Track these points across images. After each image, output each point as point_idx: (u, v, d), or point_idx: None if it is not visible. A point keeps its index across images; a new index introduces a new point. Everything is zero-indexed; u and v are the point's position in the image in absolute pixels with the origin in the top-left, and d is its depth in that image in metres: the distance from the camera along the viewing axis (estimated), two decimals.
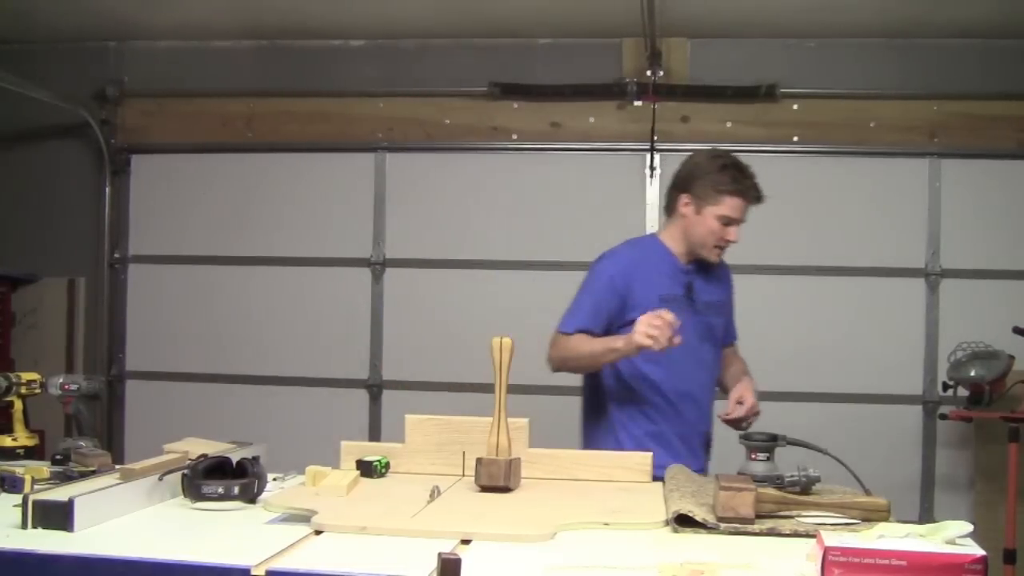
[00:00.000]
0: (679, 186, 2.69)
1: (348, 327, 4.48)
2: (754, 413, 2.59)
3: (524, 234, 4.41)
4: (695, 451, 2.68)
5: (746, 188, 2.61)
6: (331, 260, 4.50)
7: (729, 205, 2.60)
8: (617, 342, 2.48)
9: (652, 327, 2.35)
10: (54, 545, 1.53)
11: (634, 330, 2.38)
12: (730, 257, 2.76)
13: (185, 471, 1.89)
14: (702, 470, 2.61)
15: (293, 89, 4.53)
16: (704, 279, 2.72)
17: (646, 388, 2.62)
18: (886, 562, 1.32)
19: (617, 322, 2.58)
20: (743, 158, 2.68)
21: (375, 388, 4.46)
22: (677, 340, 2.37)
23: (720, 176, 2.61)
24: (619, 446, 2.56)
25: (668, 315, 2.36)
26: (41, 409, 2.58)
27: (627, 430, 2.62)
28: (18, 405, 2.40)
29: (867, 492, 1.98)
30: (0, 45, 4.58)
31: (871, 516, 1.72)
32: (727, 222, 2.62)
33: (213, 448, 2.13)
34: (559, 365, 2.65)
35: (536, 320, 4.28)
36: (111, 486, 1.79)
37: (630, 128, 4.35)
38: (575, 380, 4.48)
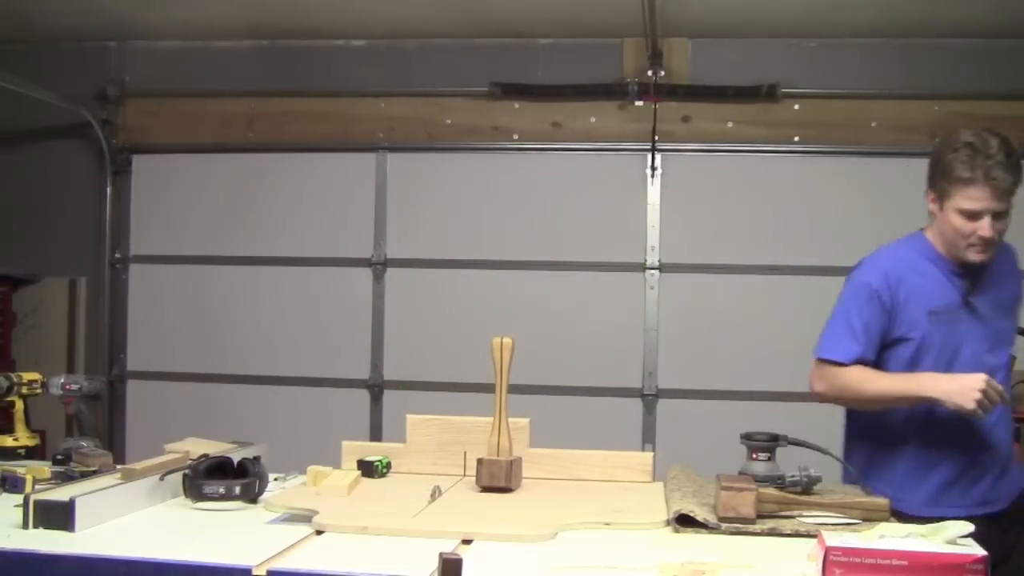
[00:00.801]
0: (928, 181, 2.26)
1: (349, 327, 4.47)
2: None
3: (525, 234, 4.40)
4: (996, 482, 2.24)
5: (984, 171, 2.10)
6: (332, 260, 4.50)
7: (965, 195, 2.12)
8: (921, 387, 2.09)
9: (983, 393, 2.00)
10: (55, 545, 1.53)
11: (959, 387, 2.03)
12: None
13: (186, 471, 1.89)
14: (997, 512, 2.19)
15: (294, 89, 4.53)
16: (989, 276, 2.25)
17: (947, 425, 2.17)
18: (887, 562, 1.33)
19: (885, 340, 2.21)
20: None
21: (376, 388, 4.46)
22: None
23: (951, 161, 2.14)
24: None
25: (997, 384, 2.03)
26: (42, 409, 2.58)
27: (925, 480, 2.19)
28: (19, 405, 2.40)
29: (868, 492, 1.98)
30: (0, 45, 4.58)
31: (872, 516, 1.72)
32: (970, 216, 2.13)
33: (214, 448, 2.13)
34: (836, 399, 2.24)
35: (537, 320, 4.33)
36: (112, 486, 1.80)
37: (631, 128, 4.35)
38: (576, 380, 4.43)
